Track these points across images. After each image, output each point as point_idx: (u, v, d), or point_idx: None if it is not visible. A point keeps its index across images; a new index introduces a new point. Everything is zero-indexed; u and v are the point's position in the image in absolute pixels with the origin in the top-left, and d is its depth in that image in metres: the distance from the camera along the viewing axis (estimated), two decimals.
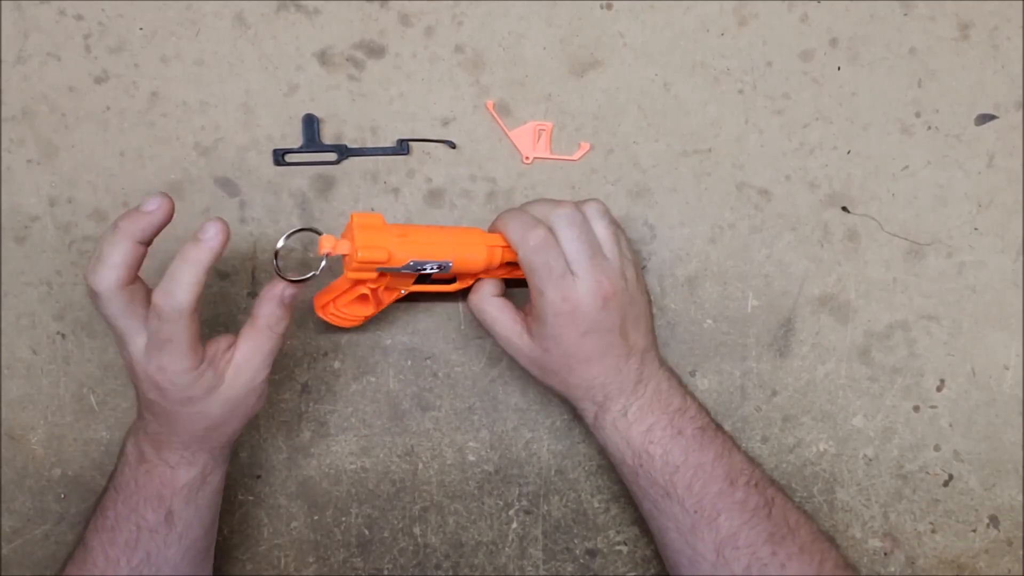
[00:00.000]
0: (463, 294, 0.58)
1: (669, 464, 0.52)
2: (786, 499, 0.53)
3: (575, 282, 0.51)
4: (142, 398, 0.50)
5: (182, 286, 0.44)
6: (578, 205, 0.53)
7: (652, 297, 0.61)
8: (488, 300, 0.55)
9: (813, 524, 0.53)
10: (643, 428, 0.52)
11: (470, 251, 0.53)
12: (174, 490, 0.51)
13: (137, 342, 0.47)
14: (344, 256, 0.50)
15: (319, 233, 0.50)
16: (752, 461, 0.54)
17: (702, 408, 0.54)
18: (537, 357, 0.54)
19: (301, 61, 0.60)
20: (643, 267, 0.61)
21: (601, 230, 0.53)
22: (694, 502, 0.51)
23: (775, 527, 0.51)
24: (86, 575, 0.51)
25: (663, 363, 0.55)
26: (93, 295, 0.46)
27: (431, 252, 0.52)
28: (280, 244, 0.50)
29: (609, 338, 0.52)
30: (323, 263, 0.50)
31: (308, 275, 0.50)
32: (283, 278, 0.50)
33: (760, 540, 0.50)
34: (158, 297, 0.45)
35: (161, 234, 0.61)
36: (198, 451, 0.51)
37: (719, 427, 0.54)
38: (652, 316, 0.56)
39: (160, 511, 0.51)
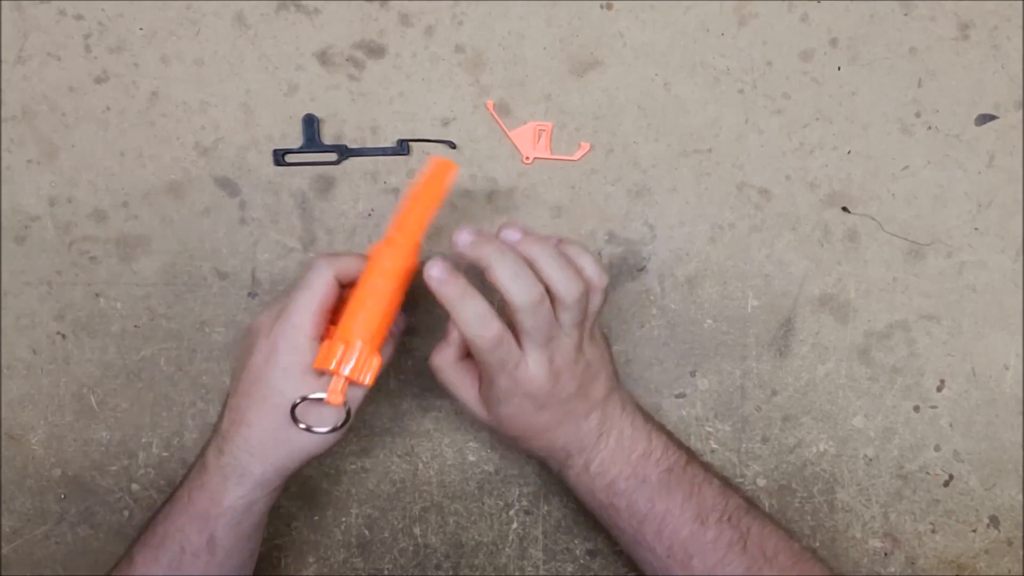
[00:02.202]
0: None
1: (635, 515, 0.51)
2: (764, 524, 0.52)
3: (525, 363, 0.49)
4: (238, 386, 0.50)
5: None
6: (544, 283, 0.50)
7: (652, 297, 0.61)
8: (449, 366, 0.53)
9: (795, 545, 0.52)
10: (606, 482, 0.52)
11: (392, 297, 0.50)
12: (220, 511, 0.50)
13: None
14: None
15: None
16: (726, 490, 0.52)
17: (669, 443, 0.53)
18: (495, 427, 0.53)
19: (301, 61, 0.60)
20: (643, 268, 0.61)
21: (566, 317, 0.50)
22: (665, 548, 0.51)
23: (751, 560, 0.50)
24: None
25: (627, 403, 0.54)
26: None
27: (379, 319, 0.49)
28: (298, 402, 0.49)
29: (567, 405, 0.51)
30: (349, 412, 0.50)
31: (334, 427, 0.50)
32: (309, 430, 0.50)
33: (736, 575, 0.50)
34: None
35: (163, 235, 0.61)
36: (254, 457, 0.50)
37: (691, 458, 0.53)
38: (612, 358, 0.55)
39: (203, 534, 0.50)
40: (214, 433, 0.52)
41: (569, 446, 0.52)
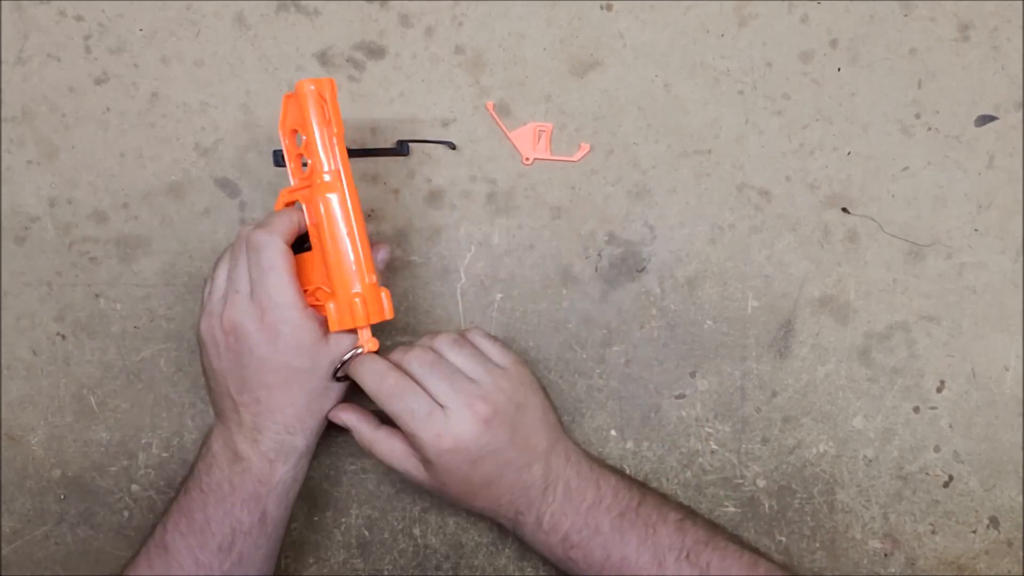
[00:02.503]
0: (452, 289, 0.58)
1: (593, 566, 0.51)
2: (724, 556, 0.51)
3: (447, 416, 0.49)
4: (248, 382, 0.51)
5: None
6: (429, 343, 0.53)
7: (652, 298, 0.61)
8: (375, 437, 0.53)
9: (760, 566, 0.51)
10: (560, 536, 0.51)
11: (361, 230, 0.52)
12: (270, 488, 0.52)
13: None
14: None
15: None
16: (683, 524, 0.52)
17: (620, 487, 0.53)
18: (437, 489, 0.52)
19: (301, 61, 0.60)
20: (643, 268, 0.61)
21: (456, 358, 0.52)
22: None
23: None
24: None
25: (571, 452, 0.54)
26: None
27: (365, 258, 0.51)
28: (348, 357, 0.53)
29: (503, 456, 0.51)
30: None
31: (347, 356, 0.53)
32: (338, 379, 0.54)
33: None
34: None
35: (163, 236, 0.61)
36: (296, 435, 0.52)
37: (644, 496, 0.53)
38: (553, 408, 0.55)
39: (256, 512, 0.51)
40: (229, 430, 0.52)
41: (516, 502, 0.52)
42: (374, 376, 0.51)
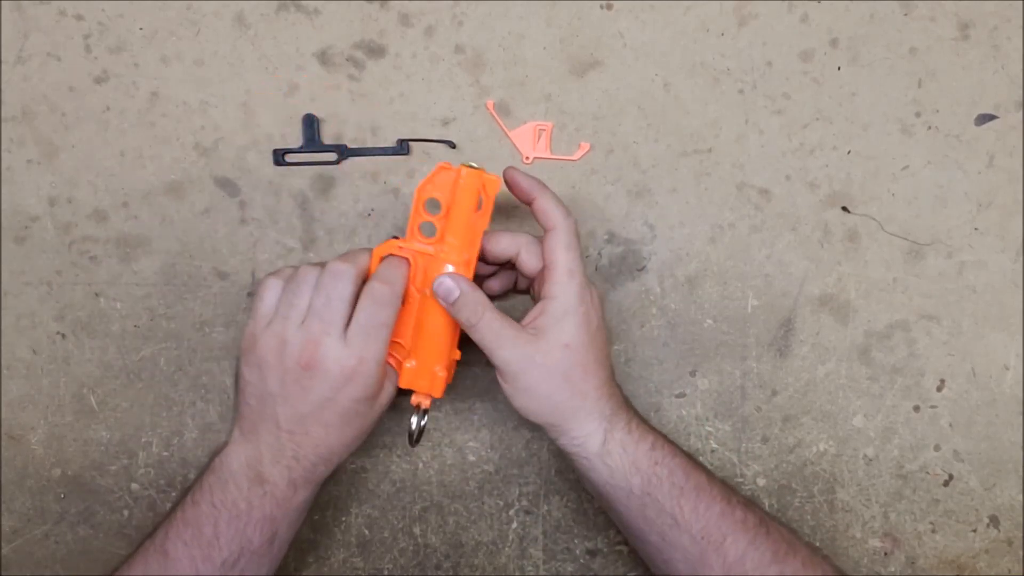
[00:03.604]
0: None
1: (675, 486, 0.50)
2: (774, 517, 0.52)
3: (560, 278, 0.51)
4: (307, 417, 0.50)
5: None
6: None
7: (652, 297, 0.61)
8: (489, 307, 0.52)
9: (802, 537, 0.52)
10: (647, 446, 0.51)
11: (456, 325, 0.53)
12: (286, 512, 0.52)
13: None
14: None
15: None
16: (726, 483, 0.53)
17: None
18: (557, 359, 0.50)
19: (301, 61, 0.60)
20: (643, 268, 0.61)
21: None
22: (701, 527, 0.50)
23: (776, 545, 0.50)
24: None
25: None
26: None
27: (451, 345, 0.53)
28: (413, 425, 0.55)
29: (606, 348, 0.52)
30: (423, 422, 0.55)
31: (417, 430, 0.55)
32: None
33: (765, 560, 0.49)
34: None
35: (163, 235, 0.61)
36: (331, 466, 0.53)
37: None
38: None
39: (268, 533, 0.51)
40: (259, 452, 0.51)
41: (613, 396, 0.52)
42: (557, 206, 0.51)
